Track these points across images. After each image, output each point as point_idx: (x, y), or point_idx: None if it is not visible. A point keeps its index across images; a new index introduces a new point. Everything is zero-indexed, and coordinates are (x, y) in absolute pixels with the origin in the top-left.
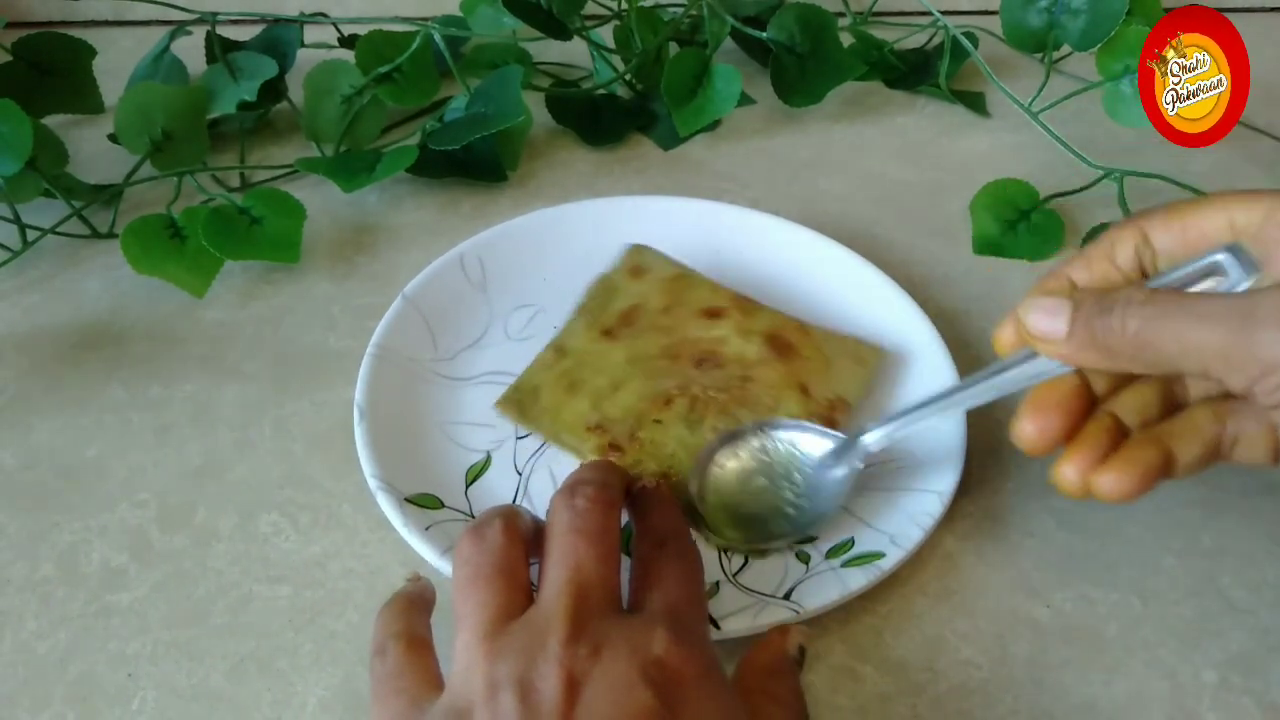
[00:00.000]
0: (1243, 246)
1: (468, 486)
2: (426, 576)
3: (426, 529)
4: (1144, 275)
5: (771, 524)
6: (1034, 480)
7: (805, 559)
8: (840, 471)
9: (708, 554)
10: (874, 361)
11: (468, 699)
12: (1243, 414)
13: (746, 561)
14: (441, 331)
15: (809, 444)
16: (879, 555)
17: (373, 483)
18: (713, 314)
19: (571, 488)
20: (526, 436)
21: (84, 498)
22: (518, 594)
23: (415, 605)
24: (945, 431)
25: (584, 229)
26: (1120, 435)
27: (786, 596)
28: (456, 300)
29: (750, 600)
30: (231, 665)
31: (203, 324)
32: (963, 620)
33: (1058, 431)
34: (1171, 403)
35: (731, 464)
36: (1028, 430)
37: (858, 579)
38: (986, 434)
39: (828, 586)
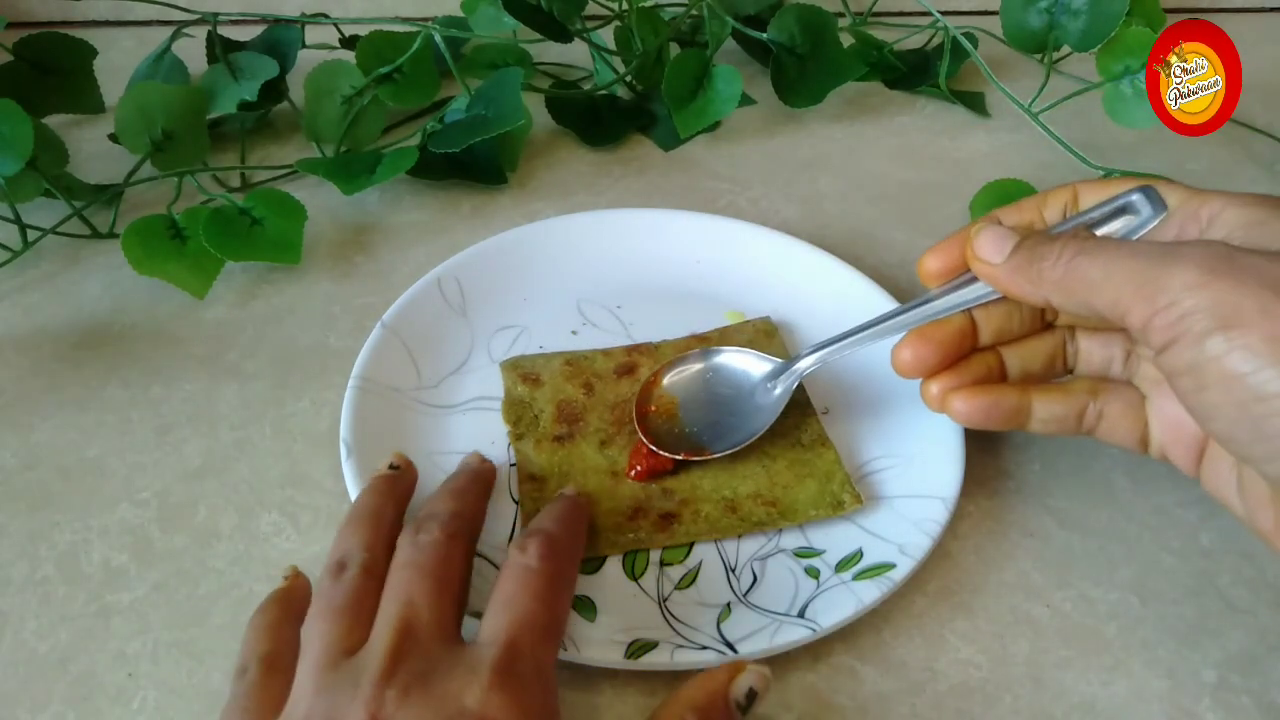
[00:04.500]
0: (1154, 189)
1: None
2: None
3: None
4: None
5: (707, 440)
6: (1034, 480)
7: (815, 574)
8: (776, 392)
9: (716, 573)
10: (774, 328)
11: None
12: (1114, 395)
13: (755, 580)
14: (424, 359)
15: (750, 366)
16: (889, 566)
17: None
18: (625, 371)
19: (419, 522)
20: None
21: (84, 498)
22: (360, 629)
23: (286, 618)
24: (944, 434)
25: (559, 245)
26: (999, 377)
27: (801, 614)
28: (437, 325)
29: (765, 620)
30: (232, 665)
31: (203, 324)
32: (963, 620)
33: (930, 363)
34: (1055, 368)
35: (677, 385)
36: (904, 355)
37: (870, 592)
38: (986, 434)
39: (841, 601)
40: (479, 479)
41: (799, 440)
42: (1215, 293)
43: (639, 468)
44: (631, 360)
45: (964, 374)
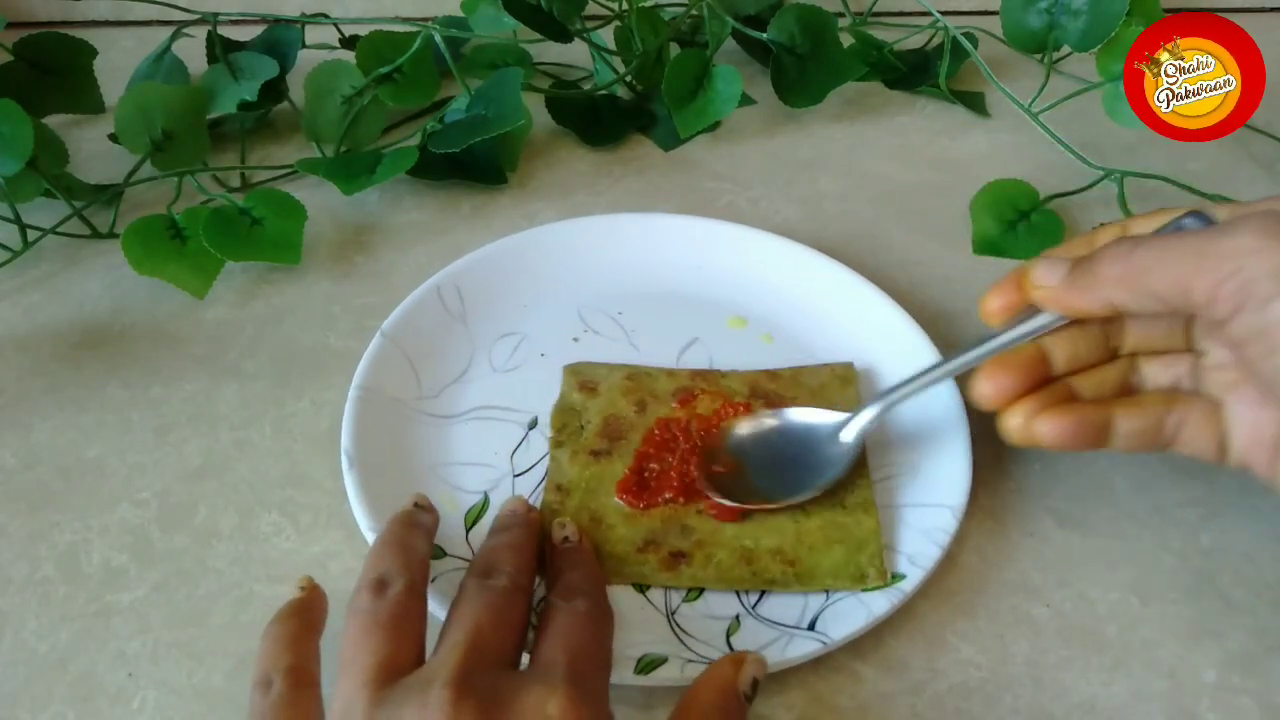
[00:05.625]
0: (1205, 211)
1: (468, 531)
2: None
3: (433, 581)
4: None
5: (775, 493)
6: (1034, 480)
7: None
8: (843, 446)
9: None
10: (853, 375)
11: None
12: (1190, 404)
13: (764, 592)
14: (425, 368)
15: (816, 420)
16: (899, 577)
17: (370, 536)
18: (685, 398)
19: (484, 568)
20: (523, 474)
21: (84, 498)
22: (410, 648)
23: (306, 630)
24: (951, 443)
25: (559, 251)
26: (1071, 401)
27: (811, 627)
28: (437, 334)
29: (776, 633)
30: (232, 665)
31: (203, 323)
32: (963, 620)
33: (1012, 391)
34: (1126, 389)
35: (747, 436)
36: (985, 388)
37: (880, 603)
38: (986, 434)
39: (852, 613)
40: (531, 531)
41: (842, 502)
42: (1276, 256)
43: (626, 495)
44: (693, 387)
45: (1042, 401)
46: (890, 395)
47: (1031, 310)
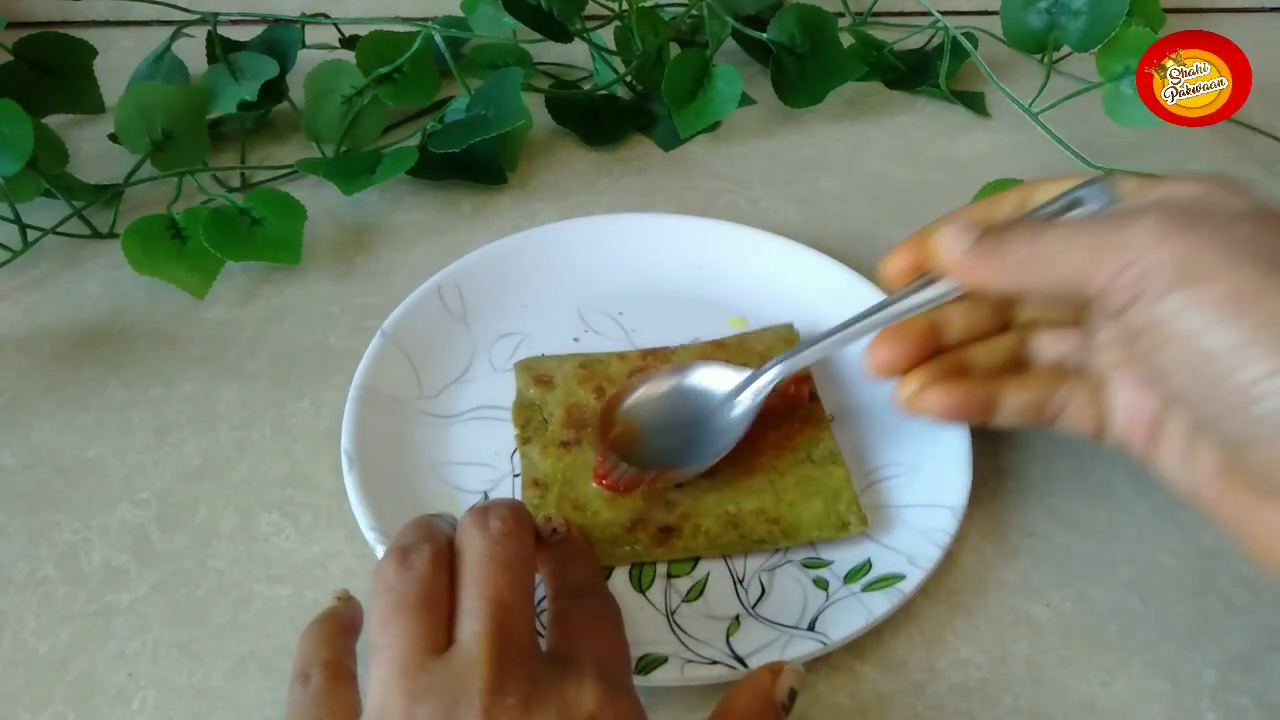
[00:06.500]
0: (1103, 182)
1: None
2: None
3: None
4: None
5: (675, 458)
6: (1034, 480)
7: (824, 585)
8: (739, 410)
9: (724, 586)
10: (795, 335)
11: None
12: (1075, 383)
13: (764, 592)
14: (425, 368)
15: (718, 381)
16: (899, 577)
17: (370, 535)
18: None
19: (484, 510)
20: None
21: (84, 498)
22: (440, 626)
23: (342, 630)
24: (951, 442)
25: (560, 251)
26: (963, 374)
27: (811, 627)
28: (438, 333)
29: (775, 634)
30: (232, 665)
31: (203, 323)
32: (963, 620)
33: (904, 362)
34: (1017, 362)
35: (644, 403)
36: (880, 355)
37: (881, 604)
38: (986, 435)
39: (852, 614)
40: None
41: (810, 456)
42: (1174, 249)
43: (605, 481)
44: (646, 365)
45: (933, 372)
46: (780, 362)
47: (932, 275)
